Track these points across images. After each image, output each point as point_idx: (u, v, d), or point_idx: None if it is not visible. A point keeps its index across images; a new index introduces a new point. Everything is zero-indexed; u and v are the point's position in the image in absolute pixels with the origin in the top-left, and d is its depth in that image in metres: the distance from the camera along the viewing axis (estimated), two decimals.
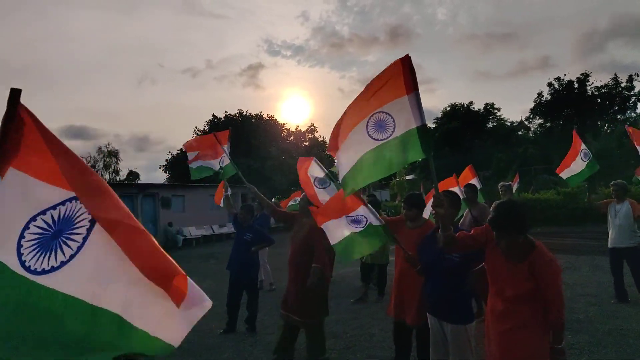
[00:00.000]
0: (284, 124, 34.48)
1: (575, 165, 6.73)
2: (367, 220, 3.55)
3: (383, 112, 2.65)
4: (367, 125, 2.77)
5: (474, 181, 7.48)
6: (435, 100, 69.58)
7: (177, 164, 30.61)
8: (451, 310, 3.01)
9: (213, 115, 30.91)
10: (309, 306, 4.19)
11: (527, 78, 68.65)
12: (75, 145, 68.11)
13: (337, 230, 3.67)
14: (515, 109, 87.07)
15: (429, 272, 3.17)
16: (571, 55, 65.25)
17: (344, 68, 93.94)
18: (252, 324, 5.52)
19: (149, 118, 71.49)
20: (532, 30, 72.56)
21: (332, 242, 3.70)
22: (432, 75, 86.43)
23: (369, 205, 3.64)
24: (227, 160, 5.64)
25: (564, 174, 6.96)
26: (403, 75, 2.52)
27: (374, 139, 2.71)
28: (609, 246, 6.11)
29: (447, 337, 3.01)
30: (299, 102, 77.24)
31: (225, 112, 31.10)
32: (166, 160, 31.94)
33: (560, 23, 73.51)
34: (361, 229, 3.59)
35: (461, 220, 6.21)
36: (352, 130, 2.85)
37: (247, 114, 31.22)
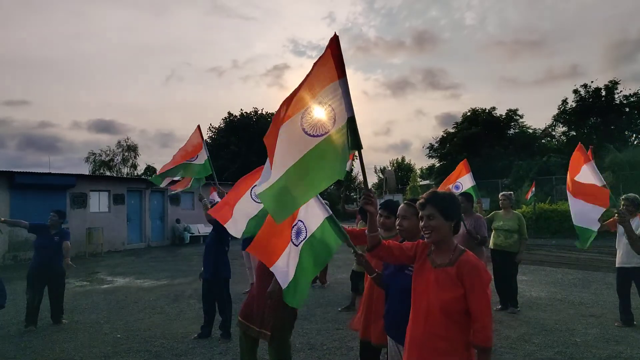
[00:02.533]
0: None
1: None
2: (306, 230, 2.99)
3: (320, 102, 2.26)
4: (301, 121, 2.33)
5: (467, 177, 7.13)
6: (460, 106, 67.91)
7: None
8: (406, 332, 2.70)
9: (228, 113, 30.99)
10: (279, 318, 3.95)
11: (555, 86, 66.71)
12: (103, 139, 70.03)
13: (285, 267, 2.99)
14: (541, 117, 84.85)
15: (387, 288, 2.87)
16: (600, 64, 63.01)
17: (369, 70, 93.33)
18: (226, 329, 5.27)
19: (174, 115, 72.81)
20: (561, 38, 70.42)
21: (284, 285, 2.95)
22: (458, 80, 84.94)
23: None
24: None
25: None
26: (333, 57, 2.18)
27: (311, 135, 2.28)
28: (617, 265, 5.65)
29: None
30: None
31: (241, 109, 31.21)
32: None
33: (590, 31, 71.27)
34: (300, 245, 2.98)
35: None
36: (280, 130, 2.38)
37: (263, 113, 31.20)
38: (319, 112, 2.30)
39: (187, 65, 73.69)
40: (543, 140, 34.78)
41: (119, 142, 40.13)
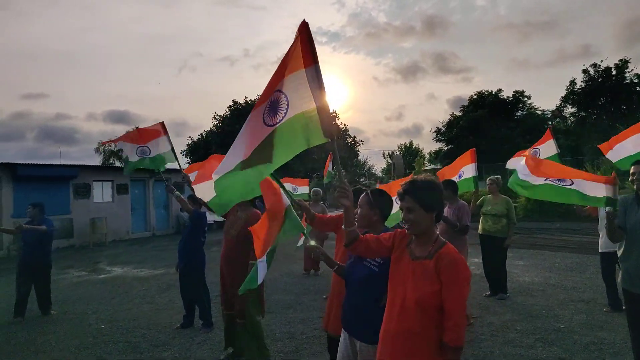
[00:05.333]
0: None
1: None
2: None
3: (279, 92, 2.27)
4: (263, 112, 2.38)
5: (471, 167, 6.86)
6: (471, 89, 67.71)
7: (197, 149, 30.90)
8: (363, 327, 2.63)
9: (233, 101, 30.89)
10: (241, 303, 4.04)
11: (567, 67, 65.73)
12: (118, 129, 71.16)
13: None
14: (553, 98, 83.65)
15: (347, 280, 2.82)
16: (613, 44, 61.64)
17: (379, 55, 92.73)
18: (206, 318, 5.29)
19: (187, 104, 73.73)
20: (573, 18, 68.97)
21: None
22: (470, 64, 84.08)
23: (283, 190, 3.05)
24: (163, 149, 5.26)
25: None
26: (301, 46, 2.14)
27: (268, 125, 2.31)
28: (600, 250, 5.54)
29: (356, 355, 2.66)
30: (334, 89, 77.23)
31: (245, 97, 31.11)
32: (187, 145, 32.27)
33: (601, 10, 69.53)
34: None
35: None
36: (248, 119, 2.45)
37: None
38: (280, 99, 2.28)
39: (199, 56, 74.16)
40: (551, 122, 34.09)
41: (127, 132, 40.46)
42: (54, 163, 16.01)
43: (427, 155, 44.07)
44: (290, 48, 2.21)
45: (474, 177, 6.72)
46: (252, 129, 2.43)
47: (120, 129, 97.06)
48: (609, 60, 30.00)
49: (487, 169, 27.72)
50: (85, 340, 5.03)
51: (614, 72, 29.58)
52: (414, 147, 52.62)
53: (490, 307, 5.90)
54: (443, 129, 36.97)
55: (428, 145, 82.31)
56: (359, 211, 2.87)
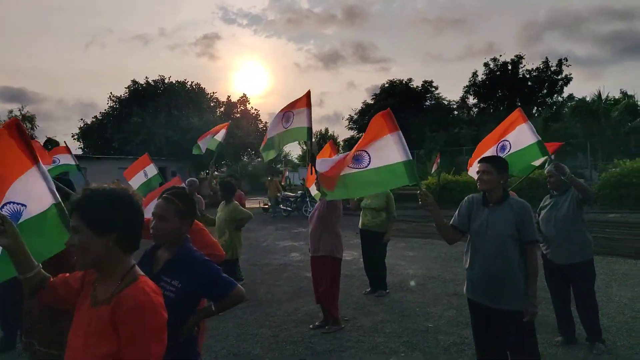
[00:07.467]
0: (213, 93, 32.52)
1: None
2: (20, 212, 2.29)
3: None
4: None
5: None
6: (389, 79, 69.74)
7: (90, 133, 28.11)
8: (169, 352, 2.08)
9: (133, 81, 28.38)
10: (59, 329, 3.15)
11: (475, 62, 70.57)
12: (10, 109, 62.96)
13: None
14: (460, 90, 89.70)
15: None
16: (513, 43, 67.39)
17: (301, 40, 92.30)
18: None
19: (96, 84, 67.07)
20: (481, 17, 74.21)
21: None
22: (387, 54, 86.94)
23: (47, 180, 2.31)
24: None
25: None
26: None
27: None
28: None
29: None
30: (254, 73, 75.72)
31: (146, 77, 28.77)
32: (79, 128, 29.11)
33: (505, 11, 75.80)
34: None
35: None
36: None
37: (172, 81, 29.02)
38: None
39: (109, 32, 68.21)
40: (456, 112, 35.97)
41: (11, 111, 35.94)
42: None
43: (341, 143, 44.63)
44: None
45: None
46: None
47: (14, 108, 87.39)
48: (507, 56, 32.10)
49: None
50: None
51: (509, 67, 31.76)
52: (329, 134, 53.05)
53: (366, 306, 5.63)
54: (356, 116, 37.49)
55: (344, 132, 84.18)
56: (160, 225, 2.24)
